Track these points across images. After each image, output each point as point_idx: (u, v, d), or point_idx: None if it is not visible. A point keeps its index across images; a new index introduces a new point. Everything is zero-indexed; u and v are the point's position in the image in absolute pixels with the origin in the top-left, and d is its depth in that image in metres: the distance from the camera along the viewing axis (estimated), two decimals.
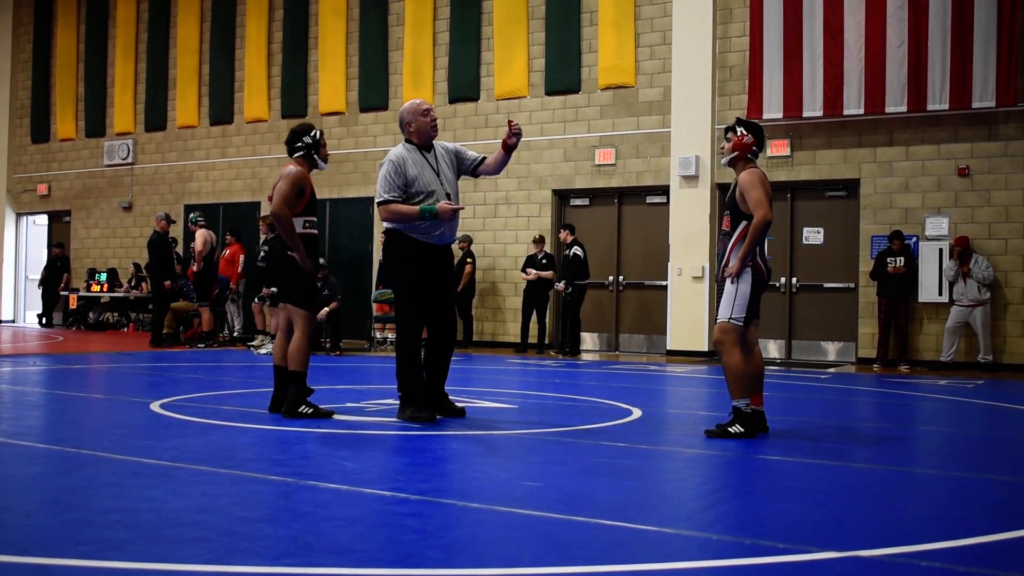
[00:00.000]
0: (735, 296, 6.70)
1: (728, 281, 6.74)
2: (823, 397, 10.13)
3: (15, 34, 24.73)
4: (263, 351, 14.37)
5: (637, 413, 7.74)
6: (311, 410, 7.00)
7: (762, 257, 6.81)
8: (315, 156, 7.32)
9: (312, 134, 7.31)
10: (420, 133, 7.25)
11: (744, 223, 6.68)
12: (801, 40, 15.22)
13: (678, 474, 5.50)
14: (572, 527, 3.89)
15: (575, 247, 15.89)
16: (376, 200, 7.16)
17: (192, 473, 4.87)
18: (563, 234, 16.24)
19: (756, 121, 7.35)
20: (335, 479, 4.73)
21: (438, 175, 7.26)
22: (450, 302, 7.47)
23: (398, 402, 7.18)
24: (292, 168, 7.16)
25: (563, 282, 15.86)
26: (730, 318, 6.68)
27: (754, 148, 6.87)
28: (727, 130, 6.98)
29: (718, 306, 6.86)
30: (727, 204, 6.84)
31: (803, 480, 5.14)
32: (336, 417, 7.00)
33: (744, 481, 5.09)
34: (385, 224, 7.22)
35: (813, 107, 15.19)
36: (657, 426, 7.41)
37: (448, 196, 7.24)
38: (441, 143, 7.48)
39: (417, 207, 7.00)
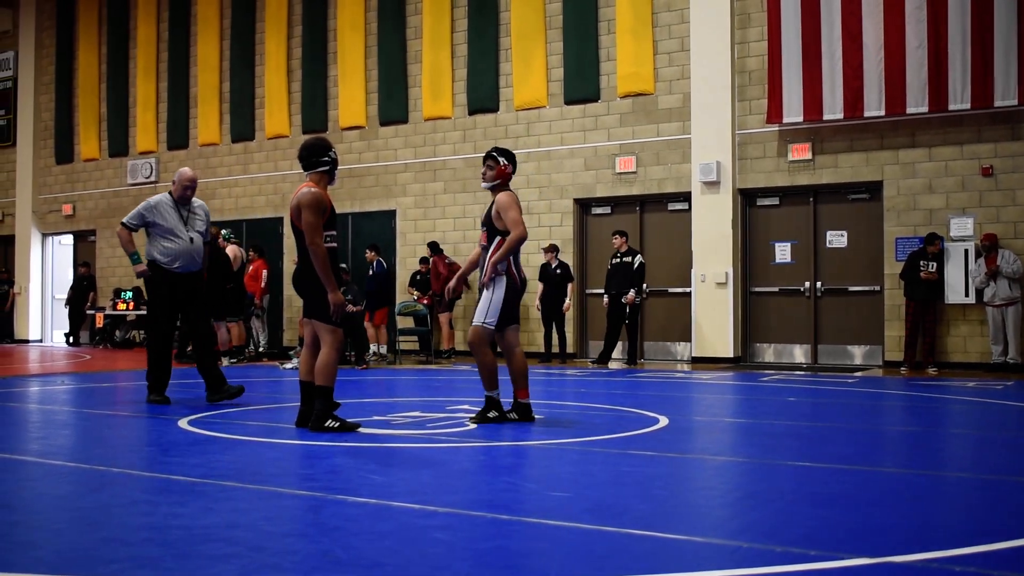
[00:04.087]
0: (490, 302, 7.49)
1: (485, 288, 7.49)
2: (850, 401, 10.07)
3: (38, 56, 24.95)
4: (288, 367, 14.42)
5: (664, 421, 7.71)
6: (338, 424, 7.00)
7: (517, 268, 7.61)
8: (334, 173, 7.35)
9: (333, 151, 7.34)
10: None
11: (499, 238, 7.48)
12: (820, 43, 15.18)
13: (706, 482, 5.47)
14: (602, 537, 3.88)
15: (638, 255, 15.65)
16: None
17: (221, 489, 4.88)
18: (618, 240, 15.85)
19: (510, 149, 7.84)
20: (363, 493, 4.73)
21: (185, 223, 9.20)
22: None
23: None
24: (308, 191, 7.11)
25: (632, 292, 15.49)
26: (483, 322, 7.50)
27: (510, 174, 7.70)
28: (487, 158, 7.65)
29: (475, 311, 7.61)
30: (484, 222, 7.60)
31: (833, 485, 5.11)
32: (362, 430, 7.01)
33: (773, 488, 5.05)
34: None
35: (833, 110, 15.14)
36: (684, 434, 7.39)
37: (191, 241, 9.16)
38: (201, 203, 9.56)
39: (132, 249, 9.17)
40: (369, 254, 17.25)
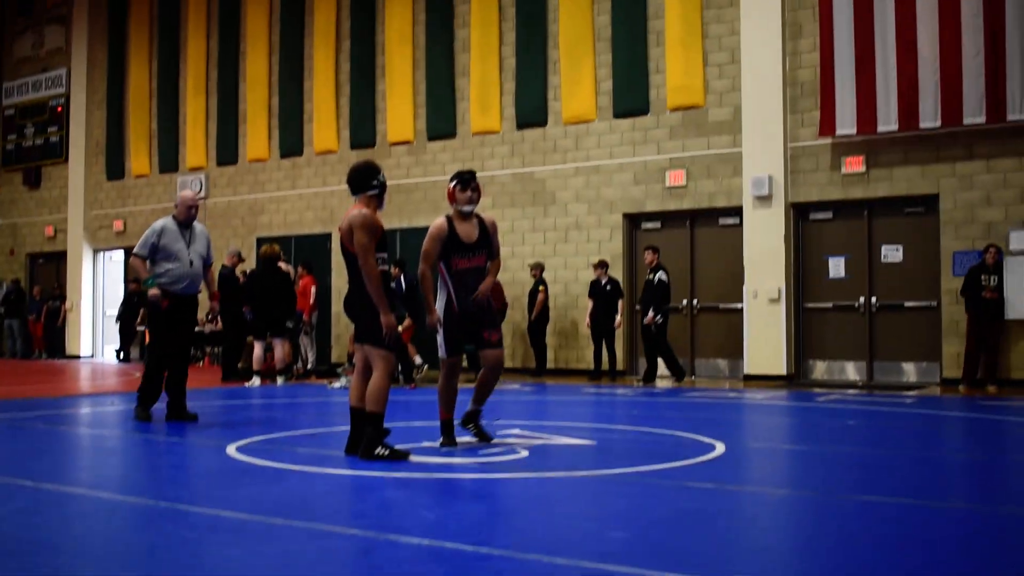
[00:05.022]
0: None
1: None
2: (911, 424, 9.80)
3: (89, 73, 25.21)
4: (336, 385, 14.35)
5: (720, 448, 7.50)
6: (388, 452, 6.87)
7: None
8: (383, 197, 7.24)
9: (380, 176, 7.23)
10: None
11: (491, 262, 7.67)
12: (873, 53, 14.90)
13: (770, 520, 5.28)
14: None
15: (660, 272, 15.31)
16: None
17: (270, 528, 4.76)
18: (648, 256, 15.54)
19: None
20: (416, 532, 4.59)
21: (188, 247, 9.57)
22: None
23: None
24: (359, 212, 7.00)
25: (652, 312, 15.23)
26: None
27: None
28: (473, 180, 7.63)
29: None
30: (482, 244, 7.57)
31: (901, 524, 4.89)
32: (412, 459, 6.88)
33: (842, 527, 4.84)
34: None
35: (888, 121, 14.85)
36: (743, 463, 7.18)
37: (191, 264, 9.53)
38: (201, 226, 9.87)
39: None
40: (393, 270, 17.07)
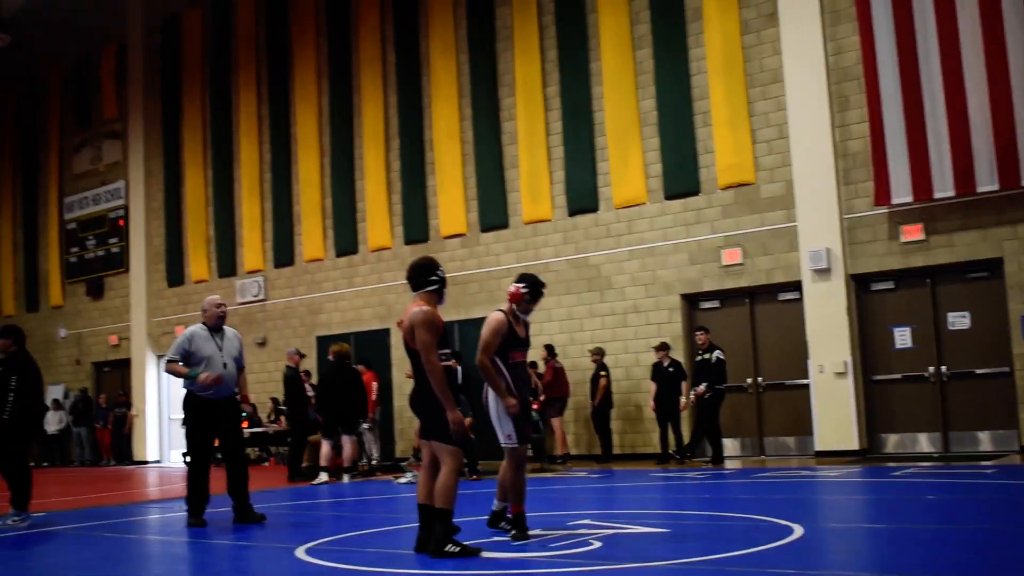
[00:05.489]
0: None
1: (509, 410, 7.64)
2: (994, 496, 9.49)
3: (147, 185, 25.80)
4: (402, 481, 14.26)
5: (799, 531, 7.29)
6: (459, 549, 6.77)
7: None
8: (443, 292, 7.27)
9: (441, 271, 7.27)
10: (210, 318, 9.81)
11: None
12: (924, 119, 14.80)
13: None
14: None
15: (716, 351, 15.32)
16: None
17: None
18: (700, 336, 15.72)
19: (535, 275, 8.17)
20: None
21: (220, 350, 9.68)
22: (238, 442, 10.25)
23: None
24: (420, 310, 7.03)
25: (704, 385, 15.26)
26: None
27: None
28: (543, 294, 8.08)
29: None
30: (528, 340, 7.98)
31: None
32: (484, 555, 6.76)
33: None
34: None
35: (944, 187, 14.68)
36: (824, 546, 6.99)
37: (224, 366, 9.62)
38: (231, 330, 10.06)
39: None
40: (452, 363, 17.06)
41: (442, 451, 6.93)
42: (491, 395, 7.66)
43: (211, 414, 9.68)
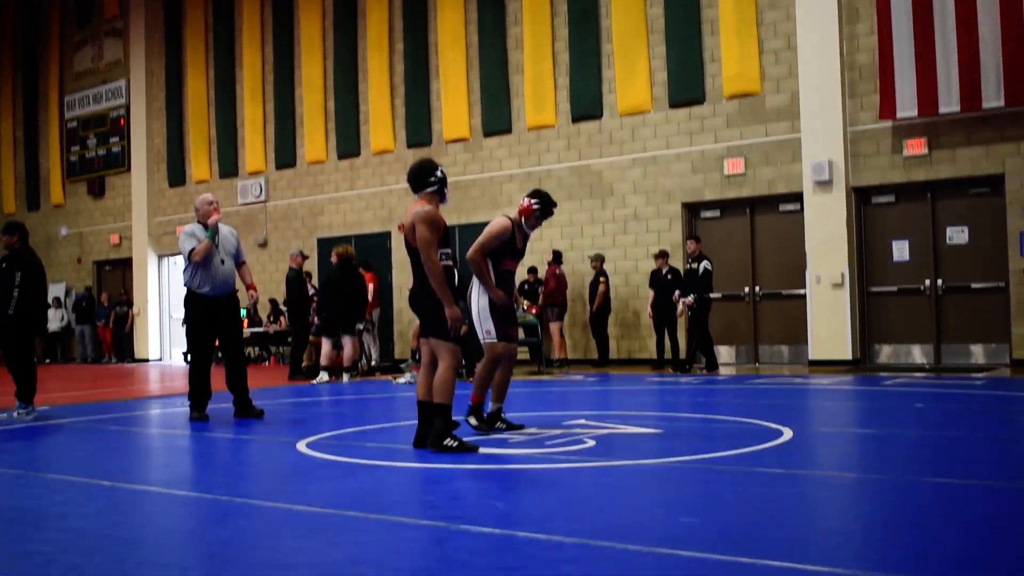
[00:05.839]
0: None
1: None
2: (983, 406, 9.67)
3: (148, 84, 25.61)
4: (401, 381, 14.46)
5: (788, 434, 7.46)
6: (457, 444, 6.93)
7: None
8: (444, 191, 7.32)
9: (440, 170, 7.32)
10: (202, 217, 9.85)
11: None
12: (933, 34, 14.68)
13: (841, 503, 5.25)
14: (740, 571, 3.71)
15: (704, 261, 15.25)
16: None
17: (343, 520, 4.83)
18: (691, 245, 15.63)
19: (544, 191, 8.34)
20: (487, 522, 4.63)
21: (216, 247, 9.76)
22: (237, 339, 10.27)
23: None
24: (422, 208, 7.10)
25: (691, 296, 15.34)
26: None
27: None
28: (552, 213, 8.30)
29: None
30: (524, 253, 8.20)
31: (978, 506, 4.84)
32: (481, 451, 6.93)
33: (914, 510, 4.81)
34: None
35: (949, 103, 14.63)
36: (811, 448, 7.14)
37: (222, 263, 9.74)
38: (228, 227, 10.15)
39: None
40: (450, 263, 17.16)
41: (440, 348, 7.05)
42: (475, 292, 7.88)
43: (211, 312, 9.77)
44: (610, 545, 4.14)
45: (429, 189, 7.26)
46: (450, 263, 7.20)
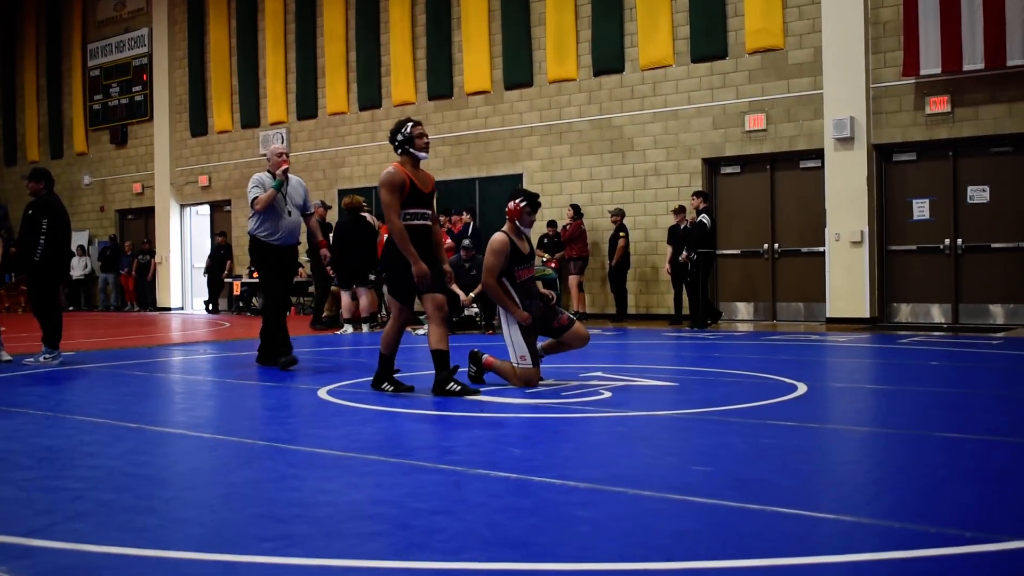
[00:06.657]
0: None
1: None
2: (998, 365, 9.72)
3: (171, 33, 25.65)
4: (420, 332, 14.59)
5: (802, 388, 7.56)
6: (460, 388, 7.29)
7: None
8: (412, 150, 7.43)
9: (403, 130, 7.43)
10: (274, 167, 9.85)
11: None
12: None
13: (851, 455, 5.35)
14: (747, 516, 3.82)
15: (703, 215, 15.29)
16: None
17: (364, 463, 4.96)
18: (695, 200, 15.63)
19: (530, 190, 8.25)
20: (504, 467, 4.75)
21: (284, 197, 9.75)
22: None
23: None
24: (385, 172, 7.43)
25: (686, 251, 15.35)
26: None
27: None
28: (539, 205, 8.25)
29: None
30: (533, 254, 8.27)
31: (986, 460, 4.93)
32: (499, 399, 7.05)
33: (923, 462, 4.91)
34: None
35: (974, 60, 14.54)
36: (825, 402, 7.24)
37: (289, 213, 9.75)
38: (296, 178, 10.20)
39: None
40: (465, 216, 17.20)
41: (425, 301, 7.34)
42: (502, 315, 7.95)
43: (276, 259, 9.81)
44: (623, 490, 4.25)
45: (398, 151, 7.45)
46: (425, 223, 7.35)
